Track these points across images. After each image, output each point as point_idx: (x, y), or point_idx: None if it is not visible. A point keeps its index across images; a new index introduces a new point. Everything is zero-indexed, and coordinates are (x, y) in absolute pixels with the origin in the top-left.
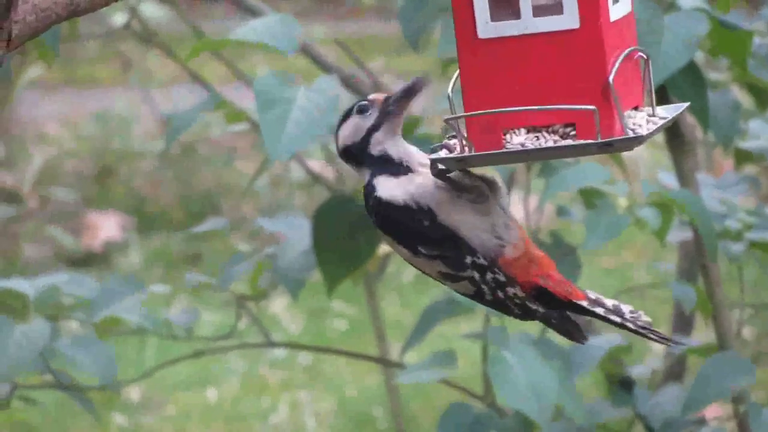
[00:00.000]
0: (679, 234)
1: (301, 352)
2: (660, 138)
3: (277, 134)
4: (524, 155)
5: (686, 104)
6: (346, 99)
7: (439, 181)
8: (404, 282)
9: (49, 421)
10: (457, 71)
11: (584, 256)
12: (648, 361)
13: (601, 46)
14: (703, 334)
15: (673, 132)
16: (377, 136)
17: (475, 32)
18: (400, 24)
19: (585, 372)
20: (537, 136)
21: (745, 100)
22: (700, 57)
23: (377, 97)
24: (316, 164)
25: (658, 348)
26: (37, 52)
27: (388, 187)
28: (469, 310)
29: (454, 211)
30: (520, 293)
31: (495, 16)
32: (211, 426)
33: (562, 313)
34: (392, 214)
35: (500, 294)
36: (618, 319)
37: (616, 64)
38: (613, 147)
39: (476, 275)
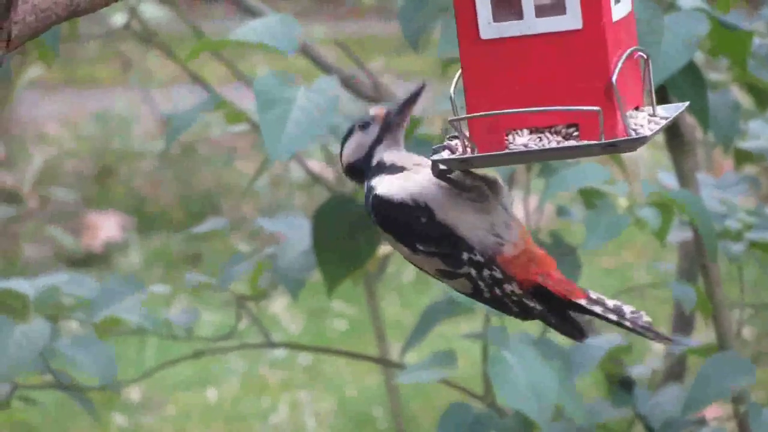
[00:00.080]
0: (679, 234)
1: (301, 352)
2: (660, 138)
3: (277, 134)
4: (527, 156)
5: (686, 104)
6: (346, 99)
7: (435, 179)
8: (404, 282)
9: (49, 421)
10: (459, 71)
11: (584, 256)
12: (648, 361)
13: (604, 47)
14: (703, 334)
15: (673, 132)
16: (379, 149)
17: (478, 33)
18: (400, 24)
19: (585, 372)
20: (540, 137)
21: (745, 100)
22: (699, 57)
23: (378, 112)
24: (316, 164)
25: (658, 348)
26: (37, 52)
27: (385, 184)
28: (469, 311)
29: (452, 209)
30: (518, 290)
31: (497, 16)
32: (211, 426)
33: (561, 312)
34: (390, 211)
35: (497, 291)
36: (615, 318)
37: (619, 65)
38: (617, 148)
39: (473, 272)
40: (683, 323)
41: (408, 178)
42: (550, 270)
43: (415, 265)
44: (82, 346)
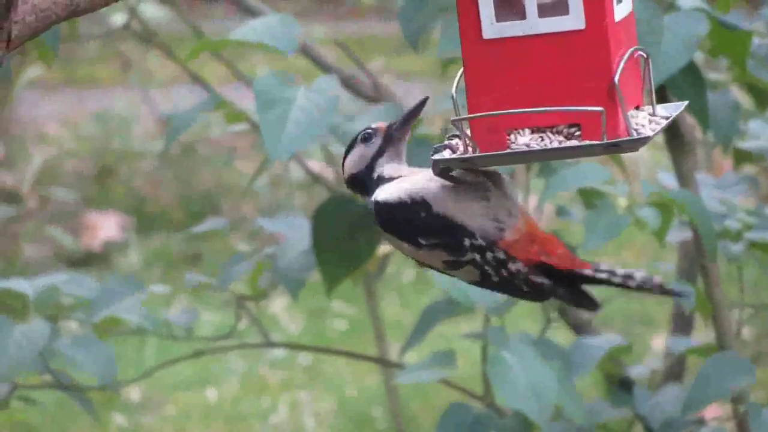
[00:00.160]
0: (678, 234)
1: (301, 353)
2: (659, 138)
3: (277, 134)
4: (529, 156)
5: (685, 103)
6: (346, 99)
7: (431, 176)
8: (404, 282)
9: (48, 421)
10: (460, 71)
11: (584, 256)
12: (647, 361)
13: (606, 47)
14: (702, 334)
15: (673, 132)
16: (381, 161)
17: (480, 33)
18: (400, 24)
19: (584, 372)
20: (542, 137)
21: (745, 100)
22: (699, 57)
23: (380, 125)
24: (316, 164)
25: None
26: (36, 52)
27: (384, 191)
28: (469, 311)
29: (449, 199)
30: (523, 268)
31: (500, 16)
32: (211, 426)
33: (571, 285)
34: (390, 212)
35: (504, 272)
36: (621, 281)
37: (621, 64)
38: (620, 148)
39: (477, 257)
40: (683, 323)
41: (403, 180)
42: (554, 248)
43: (421, 263)
44: (82, 346)
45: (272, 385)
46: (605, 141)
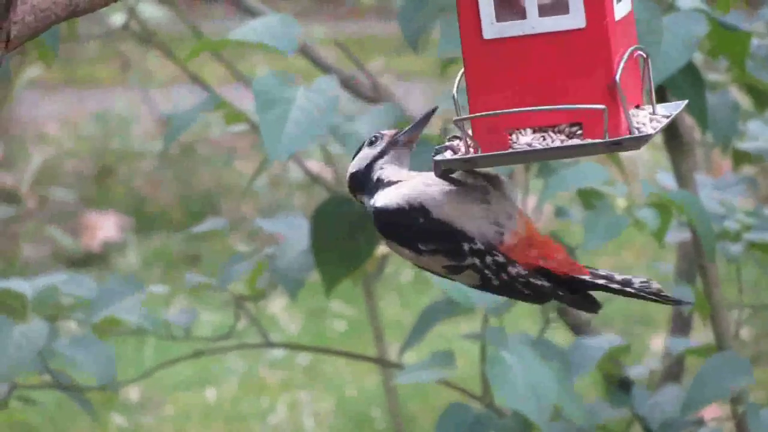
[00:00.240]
0: (677, 235)
1: (300, 353)
2: (659, 139)
3: (276, 134)
4: (531, 155)
5: (685, 102)
6: (346, 99)
7: (430, 180)
8: (403, 282)
9: (48, 421)
10: (461, 71)
11: (583, 257)
12: (646, 361)
13: (607, 46)
14: (701, 334)
15: (672, 133)
16: (380, 163)
17: (480, 33)
18: (400, 24)
19: (584, 372)
20: (543, 136)
21: (744, 100)
22: (699, 58)
23: (389, 131)
24: (315, 165)
25: (657, 348)
26: (36, 52)
27: (383, 197)
28: (468, 311)
29: (448, 204)
30: (522, 271)
31: (500, 16)
32: (210, 426)
33: (572, 289)
34: (389, 218)
35: (504, 276)
36: (619, 287)
37: (622, 63)
38: (622, 146)
39: (477, 261)
40: (682, 324)
41: (402, 185)
42: (553, 253)
43: (423, 268)
44: (81, 346)
45: (271, 385)
46: (607, 139)
